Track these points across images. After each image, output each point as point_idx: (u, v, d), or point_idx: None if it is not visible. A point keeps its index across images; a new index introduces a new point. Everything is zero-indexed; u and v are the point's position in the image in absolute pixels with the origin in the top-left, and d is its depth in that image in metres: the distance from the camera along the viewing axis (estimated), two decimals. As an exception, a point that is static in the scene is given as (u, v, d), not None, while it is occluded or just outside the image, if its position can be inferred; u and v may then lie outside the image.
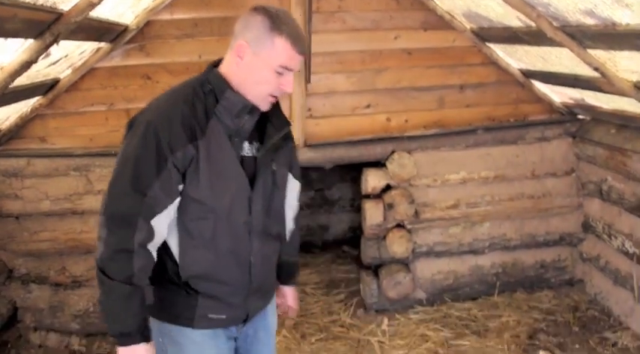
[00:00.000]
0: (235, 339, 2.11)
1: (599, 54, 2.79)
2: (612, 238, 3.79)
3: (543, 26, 2.76)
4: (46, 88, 3.38)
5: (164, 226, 1.81)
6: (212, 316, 1.95)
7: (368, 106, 3.87)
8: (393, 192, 3.90)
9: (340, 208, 5.48)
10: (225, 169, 1.83)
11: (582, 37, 2.68)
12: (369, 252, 4.07)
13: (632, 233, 3.60)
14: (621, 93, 3.02)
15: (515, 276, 4.24)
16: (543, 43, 3.05)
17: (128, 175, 1.75)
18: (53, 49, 2.62)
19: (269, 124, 1.94)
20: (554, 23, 2.73)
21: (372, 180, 3.92)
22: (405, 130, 3.94)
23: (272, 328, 2.25)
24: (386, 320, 3.96)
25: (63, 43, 2.59)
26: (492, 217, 4.11)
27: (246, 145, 1.90)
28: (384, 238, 4.00)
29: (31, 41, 2.32)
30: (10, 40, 2.24)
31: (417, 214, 3.95)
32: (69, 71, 3.43)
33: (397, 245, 3.91)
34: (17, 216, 3.71)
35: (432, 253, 4.11)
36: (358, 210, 4.82)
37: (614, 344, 3.56)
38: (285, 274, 2.29)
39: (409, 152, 3.89)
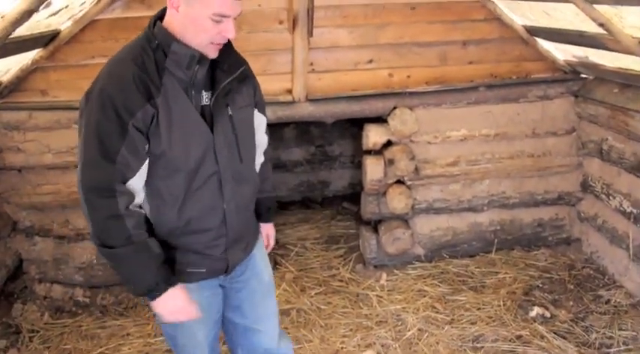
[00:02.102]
0: (223, 288, 2.15)
1: (605, 9, 2.75)
2: (610, 197, 3.82)
3: (549, -20, 2.72)
4: (47, 39, 3.35)
5: (140, 186, 1.86)
6: (191, 270, 1.99)
7: (370, 62, 3.84)
8: (393, 148, 3.91)
9: (341, 165, 5.50)
10: (185, 122, 1.84)
11: (588, -9, 2.65)
12: (368, 208, 4.10)
13: (630, 193, 3.62)
14: (627, 51, 2.99)
15: (512, 234, 4.28)
16: (549, -2, 3.02)
17: (95, 146, 1.77)
18: (53, -2, 2.60)
19: (218, 70, 1.93)
20: (560, -23, 2.70)
21: (373, 135, 3.92)
22: (407, 86, 3.92)
23: (264, 276, 2.27)
24: (384, 275, 4.03)
25: (63, -8, 2.56)
26: (492, 174, 4.12)
27: (204, 94, 1.91)
28: (384, 194, 4.03)
29: (31, -11, 2.30)
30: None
31: (417, 170, 3.97)
32: (69, 23, 3.39)
33: (397, 201, 3.94)
34: (20, 169, 3.73)
35: (431, 209, 4.14)
36: (358, 166, 4.84)
37: (608, 302, 3.63)
38: (260, 211, 2.30)
39: (411, 108, 3.88)
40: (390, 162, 3.89)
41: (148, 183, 1.88)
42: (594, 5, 2.75)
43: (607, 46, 3.14)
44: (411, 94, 3.91)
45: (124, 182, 1.80)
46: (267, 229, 2.42)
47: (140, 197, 1.88)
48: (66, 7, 3.03)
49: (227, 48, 1.94)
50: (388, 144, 3.97)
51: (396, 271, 4.09)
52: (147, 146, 1.81)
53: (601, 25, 2.84)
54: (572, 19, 3.14)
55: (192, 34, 1.80)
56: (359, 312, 3.63)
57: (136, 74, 1.76)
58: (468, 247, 4.26)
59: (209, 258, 2.00)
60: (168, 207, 1.90)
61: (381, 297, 3.79)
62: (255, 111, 2.16)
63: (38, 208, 3.83)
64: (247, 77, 2.07)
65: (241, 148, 1.99)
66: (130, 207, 1.82)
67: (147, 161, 1.83)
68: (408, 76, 3.93)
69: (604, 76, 3.78)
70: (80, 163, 1.81)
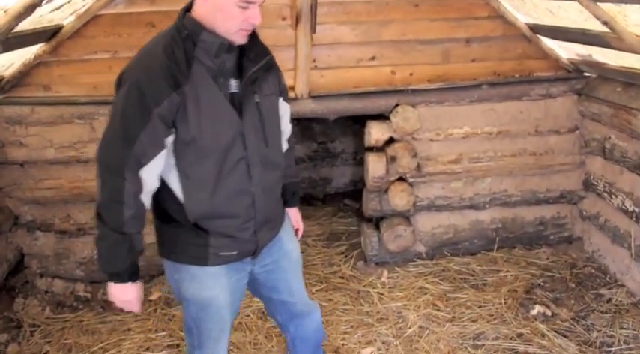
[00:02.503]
0: (254, 274, 2.28)
1: (608, 7, 2.75)
2: (612, 196, 3.81)
3: (553, -22, 2.72)
4: (50, 34, 3.35)
5: (154, 176, 1.94)
6: (223, 253, 2.09)
7: (373, 58, 3.84)
8: (396, 145, 3.90)
9: (342, 161, 5.49)
10: (214, 109, 1.92)
11: (592, -11, 2.64)
12: (370, 205, 4.10)
13: (632, 192, 3.61)
14: (630, 49, 2.98)
15: (514, 232, 4.28)
16: (552, -5, 3.01)
17: (116, 129, 1.88)
18: (57, -7, 2.60)
19: (245, 58, 2.00)
20: (565, -25, 2.69)
21: (376, 132, 3.92)
22: (410, 84, 3.91)
23: (293, 254, 2.39)
24: (386, 272, 4.03)
25: (67, -13, 2.57)
26: (494, 172, 4.12)
27: (232, 82, 1.98)
28: (386, 191, 4.03)
29: (35, -16, 2.30)
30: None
31: (419, 167, 3.97)
32: (72, 18, 3.39)
33: (399, 198, 3.94)
34: (22, 163, 3.74)
35: (433, 207, 4.14)
36: (360, 163, 4.84)
37: (609, 300, 3.62)
38: (286, 197, 2.40)
39: (413, 106, 3.87)
40: (392, 159, 3.88)
41: (180, 169, 1.96)
42: (598, 3, 2.75)
43: (610, 45, 3.13)
44: (414, 91, 3.91)
45: (138, 169, 1.88)
46: (294, 214, 2.53)
47: (150, 188, 1.96)
48: (69, 1, 3.03)
49: (253, 38, 2.02)
50: (390, 141, 3.96)
51: (397, 268, 4.09)
52: (170, 136, 1.89)
53: (605, 23, 2.83)
54: (575, 17, 3.14)
55: (221, 22, 1.87)
56: (360, 309, 3.64)
57: (164, 64, 1.84)
58: (470, 244, 4.25)
59: (239, 240, 2.09)
60: (199, 192, 1.98)
61: (382, 294, 3.79)
62: (280, 99, 2.25)
63: (40, 203, 3.83)
64: (272, 66, 2.14)
65: (267, 134, 2.06)
66: (137, 197, 1.92)
67: (164, 151, 1.90)
68: (411, 74, 3.92)
69: (607, 74, 3.77)
70: (102, 139, 1.93)
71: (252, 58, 2.01)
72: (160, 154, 1.90)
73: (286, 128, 2.37)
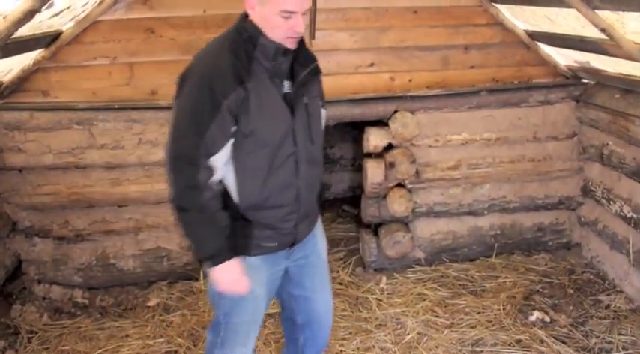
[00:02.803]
0: (286, 267, 2.38)
1: (606, 15, 2.76)
2: (611, 202, 3.82)
3: (552, -15, 2.73)
4: (49, 40, 3.36)
5: (221, 163, 2.06)
6: (264, 244, 2.22)
7: (372, 65, 3.85)
8: (394, 151, 3.91)
9: (341, 168, 5.50)
10: (271, 106, 2.07)
11: (591, -3, 2.65)
12: (369, 211, 4.10)
13: (630, 198, 3.62)
14: (628, 56, 2.99)
15: (513, 238, 4.28)
16: (551, 3, 3.02)
17: (187, 122, 2.02)
18: (56, -1, 2.60)
19: (295, 62, 2.15)
20: (563, -18, 2.70)
21: (374, 139, 3.92)
22: (409, 90, 3.92)
23: (323, 251, 2.51)
24: (384, 279, 4.03)
25: (66, -7, 2.57)
26: (492, 179, 4.12)
27: (285, 83, 2.14)
28: (385, 197, 4.03)
29: (34, -10, 2.30)
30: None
31: (418, 174, 3.97)
32: (71, 24, 3.40)
33: (397, 204, 3.94)
34: (20, 169, 3.73)
35: (431, 213, 4.14)
36: (359, 170, 4.83)
37: (607, 306, 3.62)
38: None
39: (412, 112, 3.88)
40: (391, 165, 3.89)
41: (237, 160, 2.09)
42: (596, 11, 2.76)
43: (608, 52, 3.14)
44: (413, 97, 3.91)
45: (209, 157, 2.01)
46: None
47: (219, 174, 2.08)
48: (68, 7, 3.04)
49: (302, 45, 2.18)
50: (389, 147, 3.97)
51: (395, 274, 4.09)
52: (234, 128, 2.02)
53: (602, 30, 2.84)
54: (574, 24, 3.15)
55: (269, 31, 2.02)
56: (358, 315, 3.63)
57: (230, 62, 2.00)
58: (468, 251, 4.25)
59: (281, 232, 2.22)
60: (252, 182, 2.11)
61: (380, 300, 3.78)
62: (320, 103, 2.38)
63: (38, 209, 3.82)
64: (317, 72, 2.29)
65: (313, 133, 2.21)
66: (209, 181, 2.04)
67: (231, 140, 2.04)
68: (410, 80, 3.93)
69: (605, 81, 3.78)
70: (171, 134, 2.06)
71: (302, 63, 2.16)
72: (227, 144, 2.03)
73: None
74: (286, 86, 2.13)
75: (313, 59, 2.24)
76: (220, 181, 2.12)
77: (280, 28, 2.00)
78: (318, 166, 2.29)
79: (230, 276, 2.13)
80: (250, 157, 2.08)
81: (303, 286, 2.44)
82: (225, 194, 2.14)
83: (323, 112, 2.42)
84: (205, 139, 1.98)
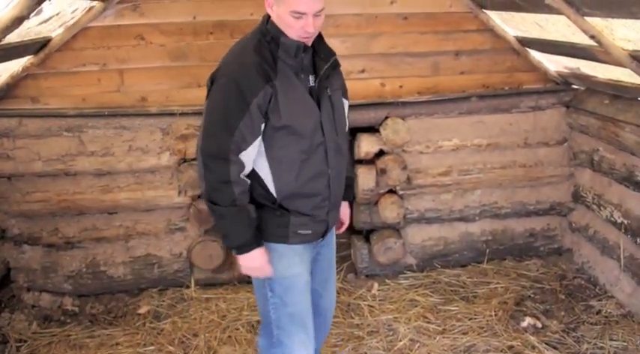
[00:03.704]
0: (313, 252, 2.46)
1: (596, 21, 2.77)
2: (601, 208, 3.83)
3: (541, -8, 2.74)
4: (38, 46, 3.34)
5: (251, 158, 2.18)
6: (301, 231, 2.31)
7: (362, 71, 3.85)
8: (386, 157, 3.91)
9: (333, 174, 5.49)
10: (299, 100, 2.19)
11: (580, 3, 2.66)
12: (360, 217, 4.10)
13: (621, 204, 3.63)
14: (617, 62, 3.01)
15: (504, 244, 4.28)
16: (540, 10, 3.03)
17: (218, 120, 2.13)
18: (45, 5, 2.59)
19: (317, 57, 2.28)
20: (552, -11, 2.71)
21: (365, 145, 3.92)
22: (399, 96, 3.93)
23: (333, 245, 2.61)
24: (376, 285, 4.02)
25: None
26: (484, 184, 4.13)
27: (310, 77, 2.25)
28: (376, 203, 4.03)
29: (22, -4, 2.28)
30: (1, -6, 2.21)
31: (409, 180, 3.97)
32: (61, 30, 3.38)
33: (389, 211, 3.94)
34: (9, 176, 3.71)
35: (423, 219, 4.14)
36: (351, 176, 4.83)
37: (599, 312, 3.62)
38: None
39: (403, 118, 3.88)
40: (382, 171, 3.88)
41: (270, 153, 2.21)
42: (585, 18, 2.77)
43: (598, 58, 3.16)
44: (403, 103, 3.92)
45: (238, 153, 2.12)
46: (345, 208, 2.66)
47: (248, 168, 2.19)
48: (57, 14, 3.02)
49: (321, 40, 2.30)
50: (380, 153, 3.97)
51: (387, 280, 4.08)
52: (263, 124, 2.14)
53: (592, 37, 2.85)
54: (563, 31, 3.16)
55: (285, 30, 2.13)
56: (350, 322, 3.61)
57: (256, 61, 2.11)
58: (460, 256, 4.25)
59: (315, 220, 2.32)
60: (288, 172, 2.23)
61: (372, 307, 3.77)
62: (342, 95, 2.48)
63: (27, 216, 3.80)
64: (337, 65, 2.39)
65: (337, 124, 2.32)
66: (240, 175, 2.15)
67: (260, 137, 2.16)
68: (401, 86, 3.94)
69: (595, 87, 3.80)
70: (202, 132, 2.18)
71: (322, 58, 2.28)
72: (256, 140, 2.14)
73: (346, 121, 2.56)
74: (311, 80, 2.25)
75: (332, 53, 2.33)
76: (249, 175, 2.21)
77: (292, 28, 2.11)
78: (343, 155, 2.38)
79: (254, 264, 2.25)
80: (283, 150, 2.19)
81: (315, 278, 2.49)
82: (262, 186, 2.24)
83: (346, 103, 2.52)
84: (235, 137, 2.09)
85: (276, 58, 2.15)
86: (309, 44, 2.21)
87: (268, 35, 2.17)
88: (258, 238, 2.25)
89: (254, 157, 2.20)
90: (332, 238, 2.59)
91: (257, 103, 2.09)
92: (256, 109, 2.10)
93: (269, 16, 2.21)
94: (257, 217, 2.24)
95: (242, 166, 2.16)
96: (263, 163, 2.23)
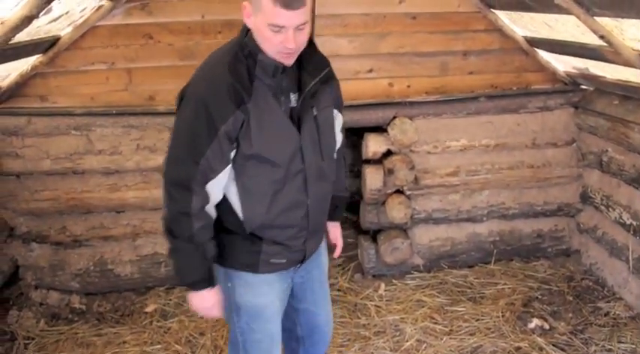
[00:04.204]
0: (292, 278, 2.30)
1: (605, 22, 2.75)
2: (610, 209, 3.81)
3: (550, -8, 2.72)
4: (47, 45, 3.35)
5: (218, 189, 2.00)
6: (274, 261, 2.15)
7: (370, 71, 3.85)
8: (393, 157, 3.90)
9: (340, 174, 5.48)
10: (275, 125, 1.96)
11: (589, 3, 2.64)
12: (367, 217, 4.09)
13: (629, 205, 3.61)
14: (627, 63, 2.99)
15: (512, 245, 4.27)
16: (550, 9, 3.01)
17: (183, 146, 1.94)
18: (54, 5, 2.59)
19: (303, 71, 2.02)
20: (562, -11, 2.70)
21: (373, 145, 3.91)
22: (407, 96, 3.92)
23: (324, 265, 2.45)
24: (383, 285, 4.01)
25: (64, -2, 2.56)
26: (491, 185, 4.11)
27: (292, 96, 2.02)
28: (384, 203, 4.02)
29: (32, -5, 2.29)
30: (11, -7, 2.22)
31: (416, 180, 3.96)
32: (69, 29, 3.39)
33: (396, 211, 3.93)
34: (18, 175, 3.72)
35: (430, 219, 4.13)
36: (358, 175, 4.81)
37: (607, 314, 3.61)
38: (330, 209, 2.35)
39: (411, 118, 3.87)
40: (390, 171, 3.88)
41: (240, 182, 2.02)
42: (595, 17, 2.75)
43: (607, 58, 3.14)
44: (411, 103, 3.91)
45: (205, 183, 1.94)
46: (335, 228, 2.55)
47: (215, 200, 2.01)
48: (66, 13, 3.03)
49: (311, 50, 2.05)
50: (388, 153, 3.96)
51: (394, 281, 4.07)
52: (233, 151, 1.95)
53: (601, 37, 2.84)
54: (572, 31, 3.14)
55: (261, 43, 1.89)
56: (357, 322, 3.61)
57: (229, 82, 1.88)
58: (467, 257, 4.24)
59: (290, 249, 2.15)
60: (258, 204, 2.04)
61: (379, 307, 3.77)
62: (335, 110, 2.27)
63: (36, 214, 3.81)
64: (330, 78, 2.16)
65: (323, 147, 2.11)
66: (204, 209, 1.98)
67: (230, 166, 1.97)
68: (408, 86, 3.93)
69: (604, 87, 3.78)
70: (167, 156, 2.00)
71: (310, 72, 2.03)
72: (225, 169, 1.96)
73: (338, 138, 2.36)
74: (293, 100, 2.01)
75: (325, 65, 2.11)
76: (226, 203, 2.06)
77: (270, 42, 1.86)
78: (328, 180, 2.18)
79: (204, 304, 2.12)
80: (254, 180, 2.00)
81: (306, 299, 2.40)
82: (232, 213, 2.07)
83: (339, 118, 2.33)
84: (201, 165, 1.90)
85: (252, 76, 1.92)
86: (289, 63, 1.94)
87: (246, 49, 1.93)
88: (211, 277, 2.08)
89: (224, 186, 2.01)
90: (322, 259, 2.42)
91: (225, 130, 1.88)
92: (224, 137, 1.89)
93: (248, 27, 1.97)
94: (225, 243, 2.09)
95: (206, 198, 1.97)
96: (233, 189, 2.03)
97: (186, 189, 1.93)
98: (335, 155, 2.30)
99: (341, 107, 2.35)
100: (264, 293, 2.17)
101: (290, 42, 1.84)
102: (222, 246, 2.11)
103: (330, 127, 2.19)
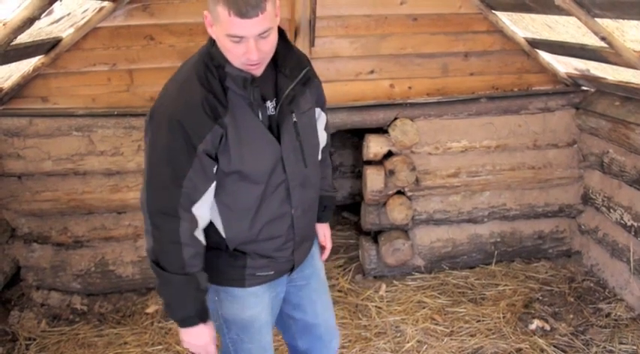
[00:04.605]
0: (283, 284, 2.19)
1: (606, 23, 2.76)
2: (611, 210, 3.81)
3: (551, -7, 2.72)
4: (48, 46, 3.35)
5: (206, 210, 1.86)
6: (260, 273, 2.03)
7: (372, 72, 3.85)
8: (394, 158, 3.90)
9: (341, 174, 5.48)
10: (253, 138, 1.83)
11: (590, 4, 2.64)
12: (368, 218, 4.09)
13: (631, 206, 3.61)
14: (627, 64, 2.99)
15: (513, 246, 4.27)
16: (551, 11, 3.01)
17: (162, 171, 1.78)
18: (56, 6, 2.60)
19: (280, 74, 1.88)
20: (563, -10, 2.70)
21: (374, 146, 3.92)
22: (409, 97, 3.92)
23: (321, 273, 2.32)
24: (384, 286, 4.01)
25: (65, 0, 2.56)
26: (492, 186, 4.12)
27: (269, 104, 1.88)
28: (385, 204, 4.02)
29: (34, -3, 2.30)
30: (13, -5, 2.22)
31: (417, 181, 3.97)
32: (71, 30, 3.40)
33: (397, 212, 3.93)
34: (19, 175, 3.73)
35: (431, 220, 4.13)
36: (359, 176, 4.83)
37: (608, 315, 3.60)
38: (317, 211, 2.24)
39: (412, 119, 3.88)
40: (391, 172, 3.88)
41: (220, 199, 1.89)
42: (596, 19, 2.75)
43: (608, 60, 3.14)
44: (412, 104, 3.91)
45: (191, 206, 1.81)
46: (324, 230, 2.38)
47: (204, 222, 1.89)
48: (68, 14, 3.03)
49: (287, 51, 1.91)
50: (389, 154, 3.96)
51: (395, 282, 4.07)
52: (215, 167, 1.82)
53: (602, 38, 2.84)
54: (573, 32, 3.15)
55: (225, 54, 1.75)
56: (358, 323, 3.61)
57: (202, 96, 1.74)
58: (468, 258, 4.24)
59: (277, 261, 2.05)
60: (239, 220, 1.93)
61: (380, 308, 3.77)
62: (317, 109, 2.15)
63: (37, 215, 3.81)
64: (310, 78, 2.02)
65: (305, 154, 1.98)
66: (194, 234, 1.84)
67: (214, 183, 1.84)
68: (410, 87, 3.93)
69: (605, 88, 3.78)
70: (146, 184, 1.83)
71: (287, 74, 1.89)
72: (210, 187, 1.83)
73: (322, 137, 2.23)
74: (270, 108, 1.87)
75: (303, 65, 1.96)
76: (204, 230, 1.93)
77: (232, 53, 1.71)
78: (313, 186, 2.07)
79: (197, 341, 1.96)
80: (234, 197, 1.89)
81: (304, 309, 2.28)
82: (214, 230, 1.95)
83: (322, 117, 2.20)
84: (184, 188, 1.77)
85: (225, 87, 1.78)
86: (258, 74, 1.79)
87: (215, 60, 1.78)
88: (204, 313, 1.93)
89: (210, 205, 1.88)
90: (317, 265, 2.30)
91: (204, 148, 1.75)
92: (204, 155, 1.76)
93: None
94: (210, 260, 1.95)
95: (194, 222, 1.83)
96: (213, 207, 1.91)
97: (173, 216, 1.79)
98: (320, 155, 2.21)
99: (324, 106, 2.21)
100: (251, 306, 2.06)
101: (252, 53, 1.69)
102: (207, 263, 1.96)
103: (312, 129, 2.06)
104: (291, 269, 2.13)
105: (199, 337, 1.95)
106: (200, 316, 1.91)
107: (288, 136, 1.91)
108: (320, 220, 2.31)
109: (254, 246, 1.98)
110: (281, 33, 1.86)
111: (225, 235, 1.95)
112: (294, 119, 1.92)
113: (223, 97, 1.77)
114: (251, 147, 1.82)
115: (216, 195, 1.88)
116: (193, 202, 1.81)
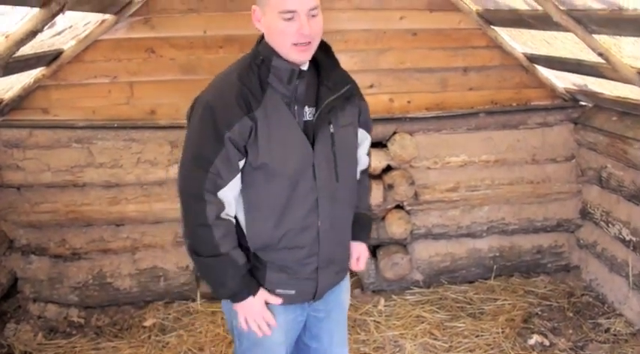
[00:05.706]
0: (304, 310, 2.14)
1: (604, 39, 2.78)
2: (609, 225, 3.81)
3: (550, 9, 2.75)
4: (50, 58, 3.37)
5: (231, 197, 1.90)
6: (280, 291, 2.01)
7: (371, 86, 3.87)
8: (393, 173, 3.91)
9: (340, 189, 5.49)
10: (286, 136, 1.87)
11: (588, 21, 2.67)
12: (367, 232, 4.08)
13: (629, 221, 3.61)
14: (625, 80, 3.02)
15: (512, 260, 4.26)
16: (549, 27, 3.04)
17: (191, 155, 1.88)
18: (58, 19, 2.61)
19: (323, 86, 1.92)
20: (561, 7, 2.73)
21: (373, 160, 3.90)
22: (408, 112, 3.94)
23: (345, 305, 2.28)
24: (382, 301, 4.00)
25: (68, 13, 2.58)
26: (491, 201, 4.12)
27: (307, 110, 1.91)
28: (383, 218, 4.02)
29: (36, 10, 2.31)
30: (16, 8, 2.24)
31: (416, 195, 3.97)
32: (73, 42, 3.42)
33: (396, 226, 3.93)
34: (18, 187, 3.73)
35: (430, 235, 4.13)
36: (358, 191, 4.82)
37: (607, 330, 3.59)
38: (353, 229, 2.20)
39: (411, 133, 3.89)
40: (390, 187, 3.88)
41: (247, 195, 1.93)
42: (593, 35, 2.78)
43: (606, 75, 3.17)
44: (411, 119, 3.93)
45: (216, 191, 1.86)
46: (359, 249, 2.28)
47: (232, 207, 1.92)
48: (70, 27, 3.06)
49: (332, 66, 1.97)
50: (388, 169, 3.97)
51: (394, 296, 4.06)
52: (242, 160, 1.87)
53: (600, 54, 2.86)
54: (571, 48, 3.17)
55: (276, 41, 1.83)
56: (356, 337, 3.59)
57: (237, 89, 1.83)
58: (467, 273, 4.23)
59: (298, 277, 2.01)
60: (265, 220, 1.94)
61: (378, 322, 3.75)
62: (362, 131, 2.18)
63: (35, 227, 3.81)
64: (352, 96, 2.05)
65: (339, 167, 1.97)
66: (221, 215, 1.88)
67: (239, 174, 1.89)
68: (409, 102, 3.95)
69: (603, 104, 3.80)
70: (179, 167, 1.93)
71: (330, 87, 1.93)
72: (235, 177, 1.88)
73: (362, 159, 2.24)
74: (308, 113, 1.91)
75: (347, 82, 2.01)
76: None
77: (285, 34, 1.79)
78: (345, 204, 2.04)
79: (250, 313, 1.97)
80: (261, 194, 1.91)
81: (321, 339, 2.23)
82: (239, 227, 1.97)
83: (364, 137, 2.21)
84: (209, 174, 1.83)
85: (264, 84, 1.85)
86: (305, 58, 1.86)
87: (259, 58, 1.87)
88: (251, 284, 1.95)
89: (237, 194, 1.92)
90: (344, 298, 2.26)
91: (231, 136, 1.81)
92: (230, 144, 1.82)
93: (263, 36, 1.92)
94: None
95: (221, 205, 1.87)
96: (239, 204, 1.95)
97: (200, 199, 1.84)
98: (358, 176, 2.21)
99: (367, 127, 2.22)
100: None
101: (305, 27, 1.77)
102: None
103: (349, 147, 2.06)
104: (314, 294, 2.07)
105: (251, 308, 1.96)
106: (245, 290, 1.94)
107: (323, 144, 1.92)
108: (355, 238, 2.24)
109: (274, 254, 1.97)
110: (327, 49, 1.96)
111: (247, 233, 1.96)
112: (332, 130, 1.95)
113: (259, 93, 1.84)
114: (281, 143, 1.86)
115: (244, 190, 1.93)
116: (219, 188, 1.86)
